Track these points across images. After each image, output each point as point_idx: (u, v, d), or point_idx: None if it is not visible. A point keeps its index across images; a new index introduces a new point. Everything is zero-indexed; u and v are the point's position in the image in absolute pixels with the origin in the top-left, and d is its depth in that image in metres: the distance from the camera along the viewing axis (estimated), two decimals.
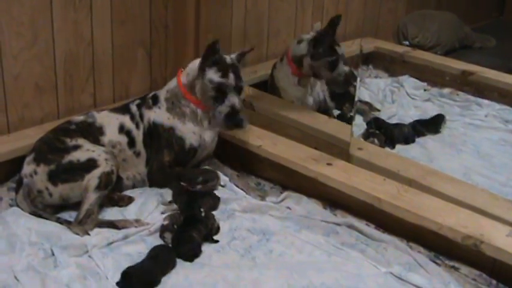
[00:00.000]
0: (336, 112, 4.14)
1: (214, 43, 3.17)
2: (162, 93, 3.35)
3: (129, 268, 2.57)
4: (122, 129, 3.25)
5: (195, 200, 3.02)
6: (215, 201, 3.14)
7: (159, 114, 3.28)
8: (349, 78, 3.84)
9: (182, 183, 3.20)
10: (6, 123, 3.39)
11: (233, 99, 3.18)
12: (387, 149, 3.73)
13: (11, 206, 3.05)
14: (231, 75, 3.18)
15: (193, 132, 3.31)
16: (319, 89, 4.08)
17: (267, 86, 4.12)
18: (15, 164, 3.15)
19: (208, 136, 3.37)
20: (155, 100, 3.33)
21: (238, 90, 3.22)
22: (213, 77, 3.18)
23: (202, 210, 2.93)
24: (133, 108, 3.32)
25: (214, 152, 3.53)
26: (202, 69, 3.21)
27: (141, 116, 3.29)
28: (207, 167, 3.45)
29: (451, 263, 2.77)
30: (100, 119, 3.25)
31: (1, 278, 2.52)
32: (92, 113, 3.30)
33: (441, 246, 2.81)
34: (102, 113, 3.30)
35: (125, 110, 3.33)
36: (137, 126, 3.28)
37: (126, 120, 3.28)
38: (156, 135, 3.27)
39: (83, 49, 3.61)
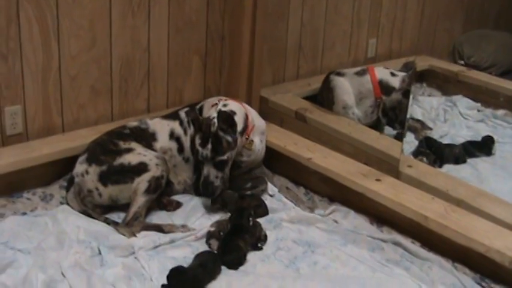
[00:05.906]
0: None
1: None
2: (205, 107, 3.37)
3: (175, 271, 2.57)
4: (172, 135, 3.29)
5: (246, 209, 3.02)
6: (264, 209, 3.16)
7: None
8: None
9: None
10: (61, 123, 3.46)
11: (206, 170, 3.11)
12: (437, 168, 3.69)
13: (61, 203, 3.11)
14: (209, 146, 3.09)
15: None
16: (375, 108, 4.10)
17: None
18: (68, 163, 3.21)
19: None
20: (201, 111, 3.35)
21: (214, 162, 3.11)
22: (196, 143, 3.14)
23: (250, 219, 2.94)
24: (182, 114, 3.35)
25: (265, 163, 3.55)
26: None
27: (189, 123, 3.30)
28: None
29: (497, 287, 2.72)
30: (153, 126, 3.30)
31: (49, 273, 2.57)
32: (145, 119, 3.35)
33: (487, 269, 2.76)
34: (154, 120, 3.34)
35: (175, 116, 3.37)
36: (185, 132, 3.31)
37: (175, 126, 3.32)
38: None
39: (139, 55, 3.66)
